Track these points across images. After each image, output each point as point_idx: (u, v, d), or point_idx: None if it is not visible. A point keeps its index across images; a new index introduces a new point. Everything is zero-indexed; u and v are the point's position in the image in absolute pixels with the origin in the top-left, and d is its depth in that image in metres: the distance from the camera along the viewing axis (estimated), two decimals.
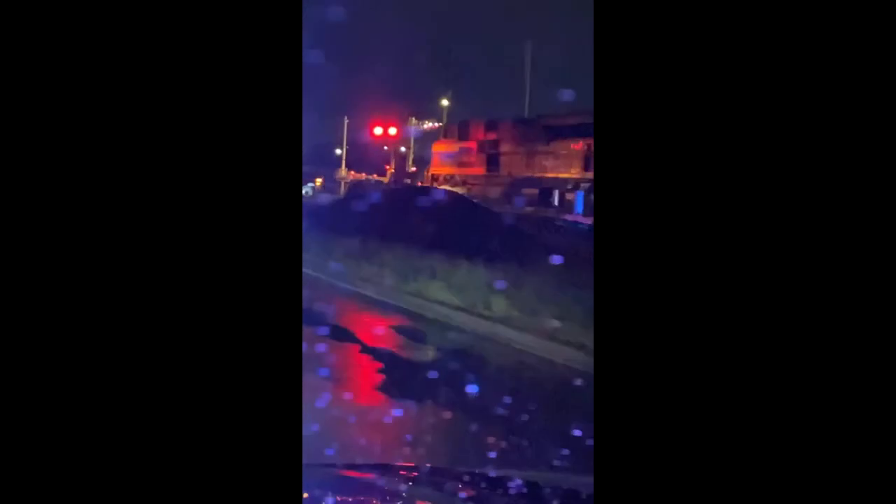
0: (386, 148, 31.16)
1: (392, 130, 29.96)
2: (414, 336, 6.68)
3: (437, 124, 30.76)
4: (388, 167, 33.28)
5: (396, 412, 4.10)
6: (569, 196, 20.54)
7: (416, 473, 1.62)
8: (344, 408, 4.02)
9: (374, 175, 32.07)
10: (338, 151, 35.76)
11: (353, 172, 33.89)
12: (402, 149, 30.89)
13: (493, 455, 3.30)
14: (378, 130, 29.58)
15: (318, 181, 35.21)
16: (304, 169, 34.37)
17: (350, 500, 1.37)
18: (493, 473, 1.43)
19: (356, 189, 25.36)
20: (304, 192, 32.50)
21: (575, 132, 21.28)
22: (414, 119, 31.84)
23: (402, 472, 1.61)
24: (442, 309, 7.85)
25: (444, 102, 31.76)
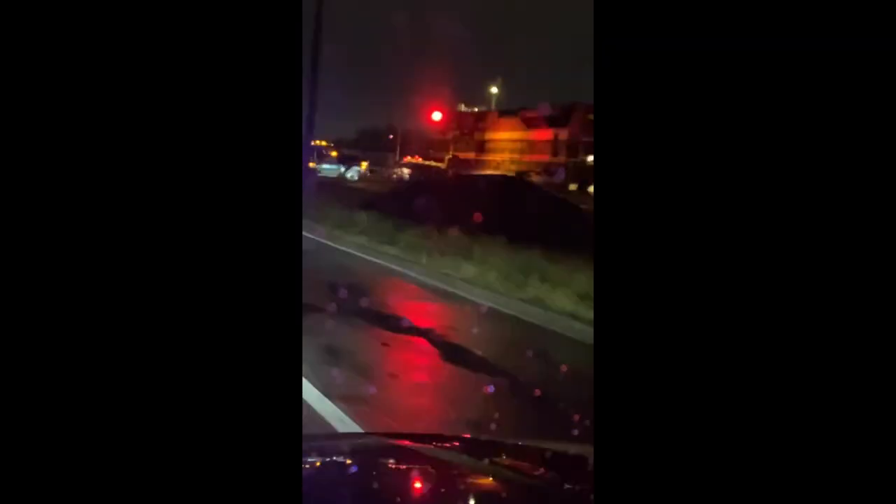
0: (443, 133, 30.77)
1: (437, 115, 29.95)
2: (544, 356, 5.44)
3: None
4: (412, 157, 32.90)
5: None
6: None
7: (462, 444, 1.68)
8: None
9: (431, 160, 31.08)
10: (390, 136, 35.30)
11: (407, 157, 33.01)
12: (456, 133, 30.33)
13: None
14: (437, 116, 29.25)
15: (364, 164, 34.38)
16: (351, 153, 34.69)
17: (403, 467, 1.43)
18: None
19: (419, 175, 25.19)
20: (349, 175, 32.56)
21: (548, 122, 25.07)
22: (463, 105, 31.79)
23: (451, 443, 1.71)
24: (572, 323, 6.61)
25: (493, 90, 32.57)
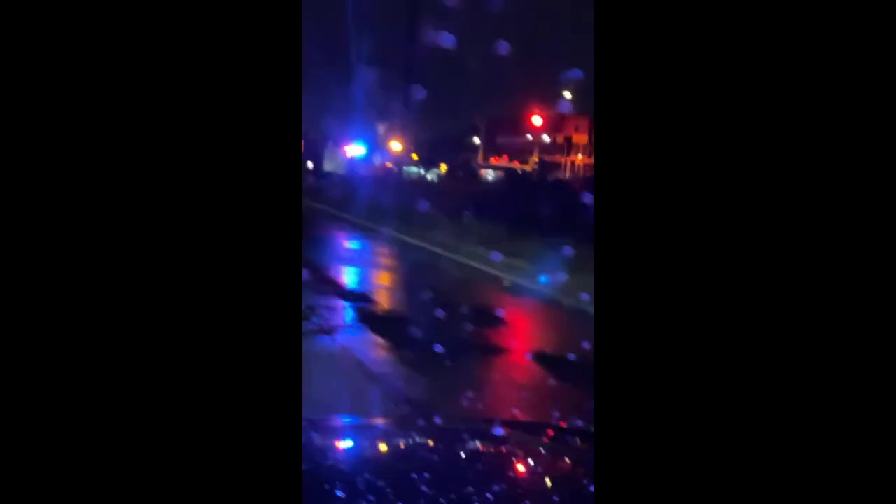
0: (530, 137, 30.87)
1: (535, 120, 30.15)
2: None
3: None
4: (496, 158, 33.72)
5: None
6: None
7: (554, 433, 1.69)
8: None
9: (516, 162, 31.44)
10: (475, 140, 35.79)
11: (494, 159, 33.75)
12: (546, 137, 30.35)
13: None
14: (538, 120, 29.01)
15: (443, 167, 35.20)
16: (427, 155, 35.40)
17: (492, 449, 1.46)
18: None
19: (505, 178, 25.48)
20: (429, 177, 33.28)
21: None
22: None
23: (546, 431, 1.73)
24: None
25: (567, 95, 32.19)
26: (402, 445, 1.47)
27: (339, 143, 29.27)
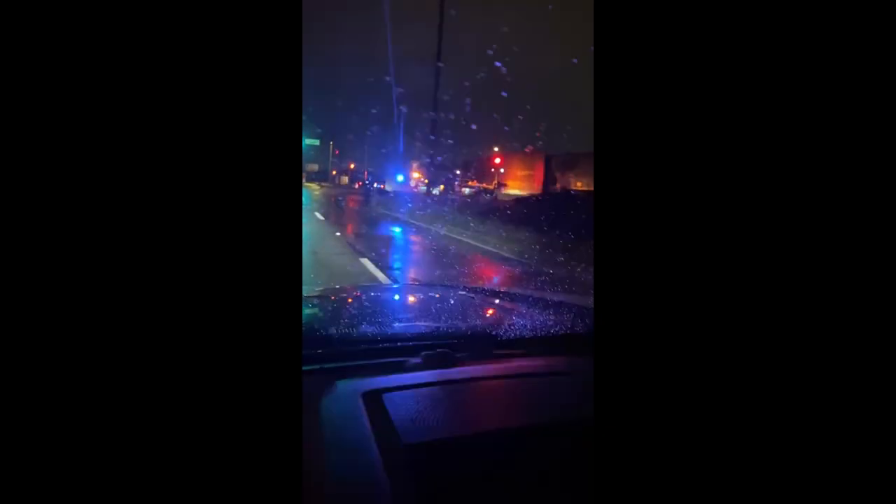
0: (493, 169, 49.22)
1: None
2: None
3: None
4: (471, 182, 49.57)
5: None
6: None
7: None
8: None
9: (483, 184, 47.26)
10: (457, 171, 55.51)
11: (470, 182, 51.25)
12: (501, 170, 48.99)
13: None
14: (498, 160, 47.71)
15: (442, 187, 52.05)
16: (433, 179, 55.52)
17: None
18: None
19: (478, 194, 37.49)
20: (434, 192, 50.44)
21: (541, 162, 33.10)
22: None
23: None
24: None
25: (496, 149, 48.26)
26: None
27: (392, 175, 49.57)
